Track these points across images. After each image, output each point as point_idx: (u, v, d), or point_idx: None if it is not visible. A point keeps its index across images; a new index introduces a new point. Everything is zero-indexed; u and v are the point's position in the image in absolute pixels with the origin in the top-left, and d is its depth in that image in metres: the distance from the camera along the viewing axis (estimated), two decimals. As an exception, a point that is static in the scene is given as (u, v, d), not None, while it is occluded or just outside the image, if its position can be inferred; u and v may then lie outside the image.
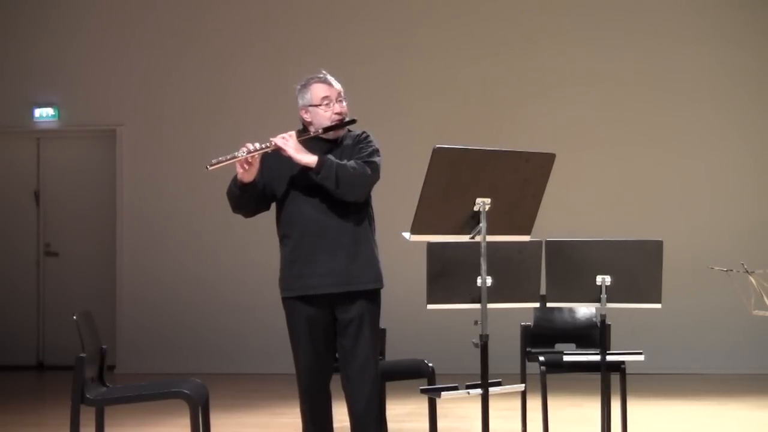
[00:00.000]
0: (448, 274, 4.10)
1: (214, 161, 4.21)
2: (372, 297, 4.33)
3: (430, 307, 4.12)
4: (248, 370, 8.95)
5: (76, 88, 9.53)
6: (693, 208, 8.92)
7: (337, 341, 4.33)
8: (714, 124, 9.00)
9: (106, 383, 4.71)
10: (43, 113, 9.56)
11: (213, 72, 9.38)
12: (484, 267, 3.76)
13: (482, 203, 3.74)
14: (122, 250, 9.40)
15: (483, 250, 3.75)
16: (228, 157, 4.18)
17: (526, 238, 3.98)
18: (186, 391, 4.48)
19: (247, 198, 4.32)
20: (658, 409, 7.00)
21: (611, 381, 4.64)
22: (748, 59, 8.98)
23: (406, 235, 3.84)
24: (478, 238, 3.77)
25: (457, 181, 3.72)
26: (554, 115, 9.02)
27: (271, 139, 4.23)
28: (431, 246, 4.10)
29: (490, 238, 3.78)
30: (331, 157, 4.19)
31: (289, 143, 4.20)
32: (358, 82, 9.52)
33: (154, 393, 4.64)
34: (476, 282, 3.92)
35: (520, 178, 3.84)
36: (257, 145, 4.21)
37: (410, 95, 9.09)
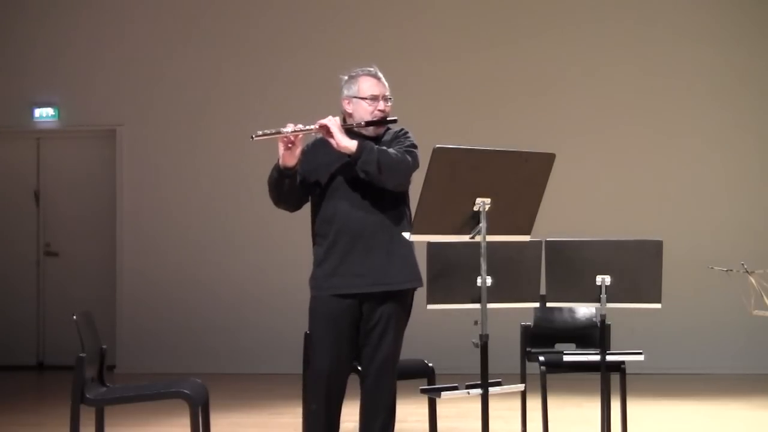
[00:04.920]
0: (448, 274, 4.09)
1: (259, 132, 4.12)
2: (404, 298, 4.31)
3: (430, 307, 4.12)
4: (248, 370, 8.95)
5: (76, 88, 9.52)
6: (693, 208, 8.91)
7: (360, 339, 4.31)
8: (714, 123, 9.00)
9: (106, 383, 4.71)
10: (43, 113, 9.56)
11: (213, 72, 9.38)
12: (484, 267, 3.76)
13: (482, 203, 3.74)
14: (122, 250, 9.40)
15: (483, 250, 3.75)
16: (273, 130, 4.12)
17: (526, 238, 3.98)
18: (186, 391, 4.48)
19: (288, 186, 4.26)
20: (658, 409, 7.00)
21: (611, 381, 4.64)
22: (750, 58, 8.98)
23: (406, 235, 3.84)
24: (478, 238, 3.76)
25: (457, 181, 3.72)
26: (554, 115, 9.02)
27: (319, 121, 4.18)
28: (431, 246, 4.09)
29: (490, 238, 3.77)
30: (370, 142, 4.16)
31: (334, 123, 4.16)
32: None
33: (154, 393, 4.64)
34: (476, 282, 3.92)
35: (520, 178, 3.83)
36: (300, 126, 4.18)
37: (409, 95, 9.08)
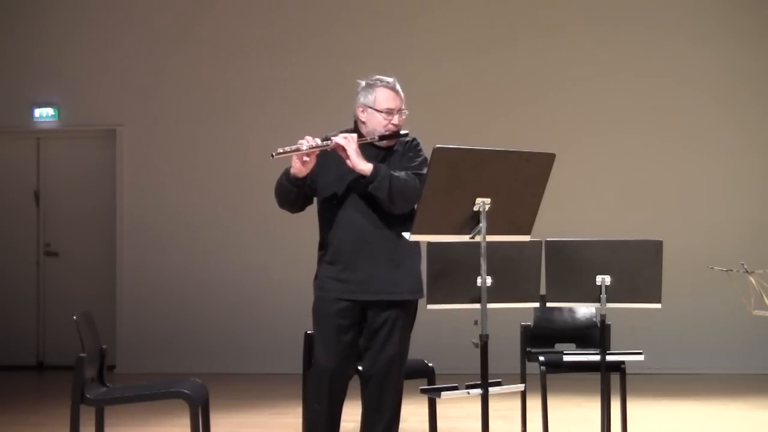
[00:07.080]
0: (448, 274, 4.09)
1: (280, 150, 4.15)
2: (408, 307, 4.33)
3: (430, 307, 4.12)
4: (248, 370, 8.94)
5: (76, 88, 9.52)
6: (693, 208, 8.91)
7: (364, 341, 4.31)
8: (715, 123, 9.00)
9: (106, 383, 4.71)
10: (43, 113, 9.56)
11: (213, 72, 9.37)
12: (484, 267, 3.76)
13: (482, 203, 3.74)
14: (122, 250, 9.39)
15: (483, 250, 3.75)
16: (292, 148, 4.16)
17: (526, 238, 3.98)
18: (186, 391, 4.48)
19: (296, 194, 4.31)
20: (658, 409, 7.00)
21: (611, 381, 4.64)
22: (751, 58, 8.98)
23: (407, 235, 3.84)
24: (478, 238, 3.76)
25: (457, 181, 3.72)
26: (554, 115, 9.02)
27: (333, 138, 4.20)
28: (431, 246, 4.10)
29: (490, 238, 3.77)
30: (384, 167, 4.19)
31: (350, 145, 4.18)
32: (354, 83, 9.50)
33: (154, 393, 4.64)
34: (476, 282, 3.92)
35: (520, 178, 3.83)
36: (318, 141, 4.20)
37: (409, 95, 9.06)
